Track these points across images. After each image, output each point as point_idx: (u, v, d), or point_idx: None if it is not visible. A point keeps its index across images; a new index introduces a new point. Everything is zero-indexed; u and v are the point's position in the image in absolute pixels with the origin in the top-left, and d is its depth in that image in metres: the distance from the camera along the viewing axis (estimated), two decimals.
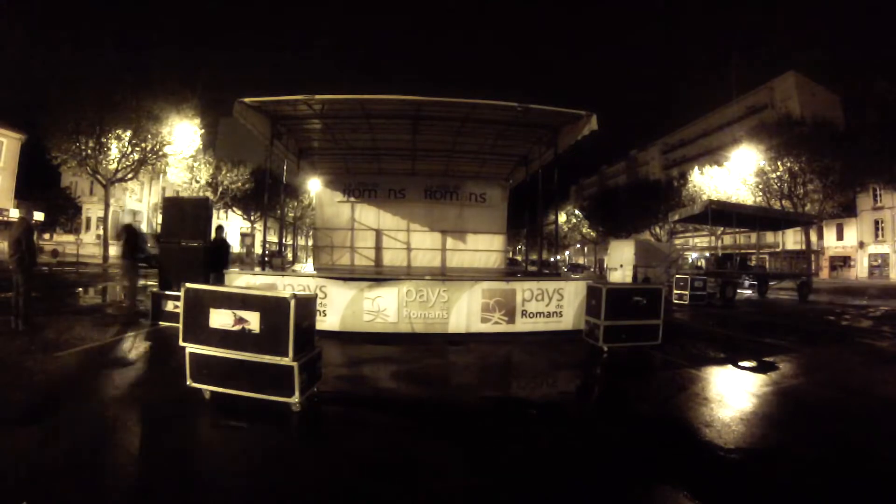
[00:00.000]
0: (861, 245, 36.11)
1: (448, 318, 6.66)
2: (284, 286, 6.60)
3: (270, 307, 3.35)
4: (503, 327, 6.78)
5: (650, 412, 3.85)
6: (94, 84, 20.99)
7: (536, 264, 15.40)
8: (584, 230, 49.74)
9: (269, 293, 3.56)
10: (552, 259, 19.61)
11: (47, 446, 2.70)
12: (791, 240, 26.87)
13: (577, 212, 52.25)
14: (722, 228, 22.91)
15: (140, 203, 37.57)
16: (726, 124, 51.26)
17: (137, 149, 23.26)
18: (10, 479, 2.28)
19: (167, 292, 6.52)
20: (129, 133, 22.43)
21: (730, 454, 2.91)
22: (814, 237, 31.75)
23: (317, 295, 3.49)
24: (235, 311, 3.38)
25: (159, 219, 17.08)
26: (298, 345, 3.34)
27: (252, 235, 46.04)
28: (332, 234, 12.44)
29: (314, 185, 13.62)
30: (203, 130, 26.57)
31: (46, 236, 34.48)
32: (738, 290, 14.43)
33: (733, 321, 9.89)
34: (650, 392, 4.50)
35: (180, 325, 3.50)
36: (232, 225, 48.96)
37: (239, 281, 6.82)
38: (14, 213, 31.83)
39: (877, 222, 35.14)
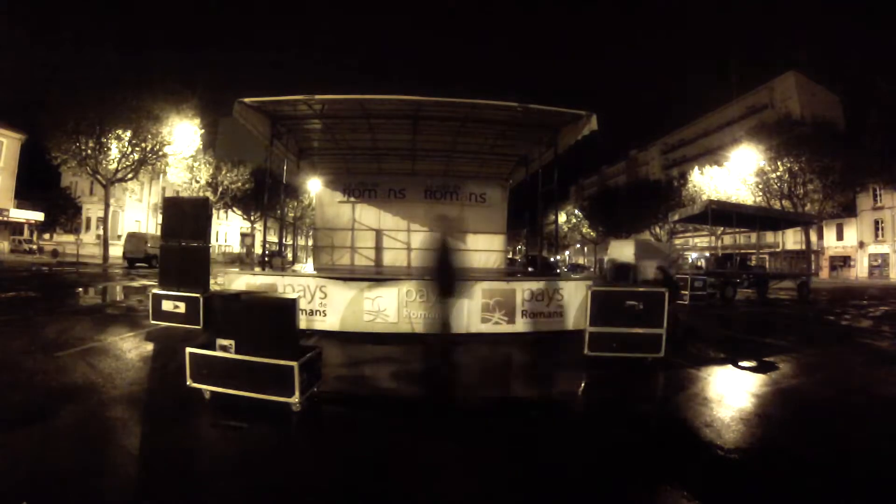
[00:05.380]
0: (861, 245, 36.12)
1: None
2: (284, 286, 6.60)
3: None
4: (503, 327, 6.78)
5: (650, 412, 3.85)
6: (94, 84, 20.94)
7: (524, 264, 15.32)
8: (584, 230, 49.74)
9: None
10: (552, 259, 19.58)
11: (47, 446, 2.70)
12: (791, 240, 26.84)
13: (577, 212, 52.25)
14: (722, 228, 22.90)
15: (140, 203, 37.61)
16: (726, 124, 51.29)
17: (137, 149, 23.26)
18: (10, 479, 2.28)
19: (167, 292, 6.53)
20: (129, 133, 22.42)
21: (730, 454, 2.92)
22: (814, 237, 31.73)
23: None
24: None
25: (159, 219, 17.06)
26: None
27: (252, 235, 46.04)
28: (332, 234, 12.43)
29: (314, 186, 13.60)
30: (203, 130, 26.56)
31: (46, 236, 34.51)
32: (739, 290, 14.42)
33: (733, 321, 9.89)
34: (650, 392, 4.51)
35: None
36: (232, 225, 49.04)
37: (239, 281, 6.82)
38: (14, 214, 31.85)
39: (877, 222, 35.16)
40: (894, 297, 17.79)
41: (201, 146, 28.20)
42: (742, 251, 22.33)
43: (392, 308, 6.57)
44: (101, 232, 28.68)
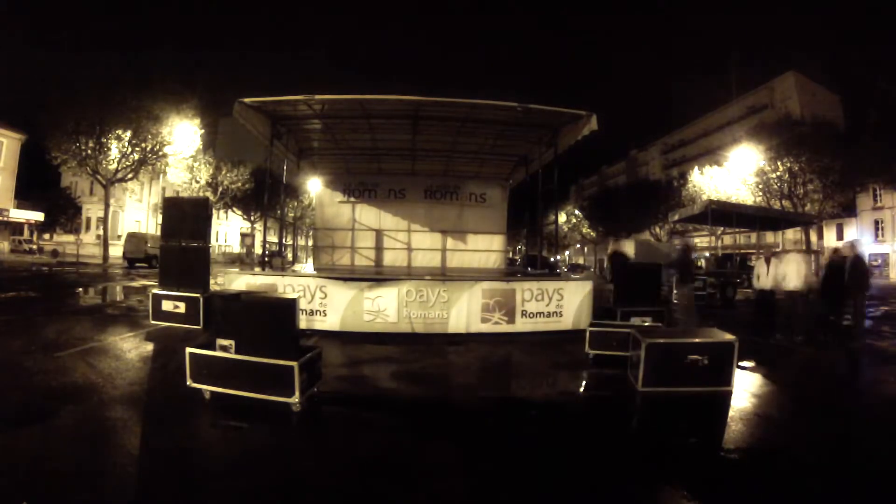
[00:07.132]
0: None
1: (448, 318, 6.66)
2: (284, 286, 6.60)
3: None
4: (503, 327, 6.78)
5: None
6: (94, 84, 20.94)
7: (524, 264, 15.24)
8: (584, 230, 49.74)
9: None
10: (552, 259, 19.58)
11: (47, 446, 2.70)
12: (791, 240, 26.82)
13: (577, 212, 52.25)
14: (722, 228, 22.87)
15: (140, 203, 37.61)
16: (726, 124, 51.19)
17: (137, 149, 23.25)
18: (10, 479, 2.28)
19: (167, 292, 6.52)
20: (129, 133, 22.40)
21: (729, 454, 2.92)
22: (814, 237, 31.71)
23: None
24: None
25: (159, 219, 17.08)
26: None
27: (252, 235, 46.03)
28: (332, 234, 12.43)
29: (314, 186, 13.60)
30: (203, 131, 26.55)
31: (46, 236, 34.51)
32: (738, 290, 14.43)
33: (733, 321, 9.87)
34: None
35: None
36: (232, 225, 49.04)
37: (239, 281, 6.82)
38: (14, 214, 31.85)
39: (877, 222, 35.14)
40: (894, 297, 17.78)
41: (201, 146, 28.18)
42: (742, 251, 22.32)
43: (392, 308, 6.57)
44: (101, 232, 28.67)
